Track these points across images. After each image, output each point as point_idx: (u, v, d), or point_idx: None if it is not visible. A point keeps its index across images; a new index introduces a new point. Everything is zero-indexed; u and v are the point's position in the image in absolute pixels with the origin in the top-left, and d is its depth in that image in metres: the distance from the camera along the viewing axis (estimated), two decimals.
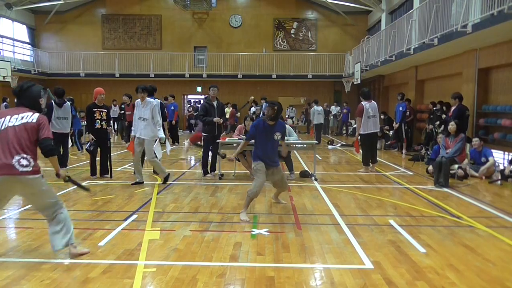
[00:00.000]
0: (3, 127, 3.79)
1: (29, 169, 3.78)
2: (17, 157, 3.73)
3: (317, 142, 11.24)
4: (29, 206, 6.37)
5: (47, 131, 4.02)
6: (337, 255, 4.28)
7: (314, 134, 17.75)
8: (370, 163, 9.82)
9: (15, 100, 4.08)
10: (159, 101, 9.45)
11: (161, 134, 8.09)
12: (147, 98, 7.94)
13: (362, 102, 9.81)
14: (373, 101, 9.99)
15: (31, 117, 3.91)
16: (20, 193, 4.03)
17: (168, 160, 11.12)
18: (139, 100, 7.93)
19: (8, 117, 3.85)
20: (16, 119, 3.86)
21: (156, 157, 8.03)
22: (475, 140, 9.20)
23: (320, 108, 17.73)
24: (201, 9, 24.52)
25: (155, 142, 7.97)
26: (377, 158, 10.21)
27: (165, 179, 8.13)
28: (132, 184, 7.94)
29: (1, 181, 3.73)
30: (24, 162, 3.76)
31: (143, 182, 8.05)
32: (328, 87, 25.09)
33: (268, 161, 5.88)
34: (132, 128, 8.04)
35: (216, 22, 25.26)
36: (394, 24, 16.03)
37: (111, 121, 12.01)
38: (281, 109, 5.82)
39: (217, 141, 8.67)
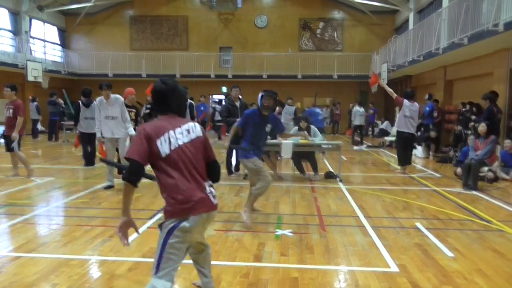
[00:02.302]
0: (174, 147, 2.72)
1: (216, 200, 2.91)
2: (207, 186, 2.84)
3: (341, 143, 11.15)
4: (57, 203, 6.55)
5: (212, 148, 3.00)
6: (362, 258, 4.23)
7: (352, 134, 17.69)
8: (406, 163, 9.75)
9: (156, 106, 2.93)
10: (189, 101, 9.58)
11: (132, 131, 7.44)
12: (112, 95, 7.42)
13: (404, 100, 9.70)
14: (416, 103, 9.85)
15: (195, 129, 2.88)
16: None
17: None
18: (101, 98, 7.42)
19: (171, 132, 2.75)
20: (182, 133, 2.79)
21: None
22: (507, 142, 8.96)
23: (362, 109, 17.54)
24: (227, 10, 24.64)
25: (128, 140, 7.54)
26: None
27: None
28: (104, 188, 7.49)
29: (200, 221, 2.75)
30: (213, 191, 2.88)
31: (114, 186, 7.53)
32: (354, 87, 24.82)
33: (259, 154, 5.60)
34: (97, 129, 7.49)
35: (242, 23, 25.34)
36: (422, 24, 15.75)
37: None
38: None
39: None
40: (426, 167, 10.73)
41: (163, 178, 2.70)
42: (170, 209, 2.71)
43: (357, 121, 17.15)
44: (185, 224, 2.67)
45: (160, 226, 2.76)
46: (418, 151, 12.72)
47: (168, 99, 2.86)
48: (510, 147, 8.85)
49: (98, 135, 7.50)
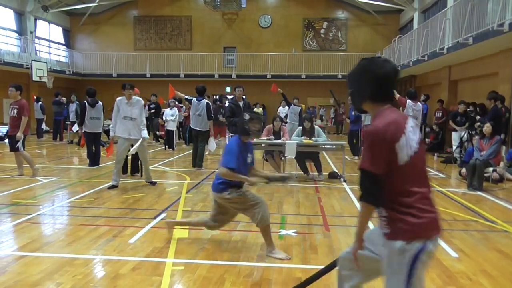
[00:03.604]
0: (413, 151, 2.15)
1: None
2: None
3: (345, 143, 11.12)
4: (62, 203, 6.57)
5: None
6: None
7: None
8: None
9: (374, 94, 2.21)
10: (206, 101, 9.59)
11: (146, 134, 7.53)
12: (134, 96, 7.50)
13: (407, 100, 9.67)
14: (419, 103, 9.82)
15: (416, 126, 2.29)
16: None
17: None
18: (123, 97, 7.49)
19: (407, 131, 2.15)
20: (412, 132, 2.19)
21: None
22: None
23: None
24: (231, 10, 24.66)
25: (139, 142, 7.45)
26: None
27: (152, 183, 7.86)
28: (108, 188, 7.46)
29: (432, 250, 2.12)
30: None
31: (118, 186, 7.53)
32: None
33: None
34: (111, 127, 7.54)
35: (246, 23, 25.35)
36: (426, 23, 15.70)
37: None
38: None
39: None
40: (430, 168, 10.69)
41: (396, 189, 2.11)
42: (409, 228, 2.06)
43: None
44: (431, 246, 2.07)
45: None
46: None
47: (392, 84, 2.22)
48: None
49: (112, 134, 7.53)
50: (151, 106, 16.59)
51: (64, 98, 17.71)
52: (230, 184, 4.27)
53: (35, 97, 18.18)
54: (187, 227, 5.11)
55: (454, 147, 11.45)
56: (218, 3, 23.96)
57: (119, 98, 7.58)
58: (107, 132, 15.90)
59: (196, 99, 9.64)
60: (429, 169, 10.39)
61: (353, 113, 12.35)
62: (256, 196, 4.39)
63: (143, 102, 7.66)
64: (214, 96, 22.42)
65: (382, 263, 2.20)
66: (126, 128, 7.38)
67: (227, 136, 12.89)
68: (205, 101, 9.51)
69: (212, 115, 9.84)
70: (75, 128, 15.85)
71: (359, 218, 2.25)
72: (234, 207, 4.38)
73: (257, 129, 4.38)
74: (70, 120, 16.10)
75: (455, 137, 11.81)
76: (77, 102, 16.07)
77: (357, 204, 6.52)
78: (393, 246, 2.07)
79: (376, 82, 2.17)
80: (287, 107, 14.85)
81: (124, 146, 7.46)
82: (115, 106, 7.53)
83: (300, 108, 14.54)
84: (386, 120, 2.10)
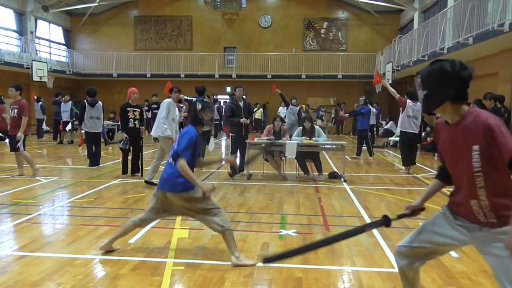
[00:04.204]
0: None
1: None
2: None
3: (345, 143, 11.17)
4: (62, 203, 6.57)
5: None
6: (366, 258, 4.22)
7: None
8: (410, 164, 9.72)
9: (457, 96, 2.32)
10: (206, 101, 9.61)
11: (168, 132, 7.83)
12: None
13: (408, 100, 9.69)
14: (419, 103, 9.80)
15: None
16: None
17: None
18: (171, 100, 7.87)
19: None
20: None
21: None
22: None
23: (374, 109, 17.40)
24: (231, 10, 24.67)
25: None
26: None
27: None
28: (153, 184, 7.52)
29: None
30: None
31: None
32: (359, 87, 24.75)
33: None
34: (167, 129, 7.70)
35: (246, 23, 25.35)
36: (427, 23, 15.71)
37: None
38: None
39: (246, 141, 8.70)
40: (430, 167, 10.68)
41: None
42: None
43: (372, 120, 17.07)
44: None
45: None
46: None
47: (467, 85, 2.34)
48: None
49: (168, 133, 7.67)
50: (153, 106, 16.57)
51: (64, 98, 17.66)
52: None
53: (35, 97, 18.17)
54: (187, 227, 5.11)
55: None
56: (218, 3, 23.97)
57: (169, 100, 7.86)
58: (107, 133, 15.94)
59: (196, 99, 9.65)
60: (430, 169, 10.39)
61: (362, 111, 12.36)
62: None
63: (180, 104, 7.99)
64: (214, 97, 22.46)
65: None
66: (173, 129, 7.79)
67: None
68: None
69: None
70: (69, 127, 15.84)
71: None
72: (193, 209, 4.02)
73: (209, 118, 4.29)
74: (64, 119, 15.89)
75: None
76: (71, 101, 16.02)
77: (358, 204, 6.52)
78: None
79: (461, 84, 2.30)
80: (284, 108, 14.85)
81: (168, 145, 7.64)
82: (167, 108, 7.75)
83: (298, 108, 14.56)
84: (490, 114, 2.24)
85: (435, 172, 9.88)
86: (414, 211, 2.76)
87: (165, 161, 4.51)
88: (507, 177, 2.19)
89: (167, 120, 7.70)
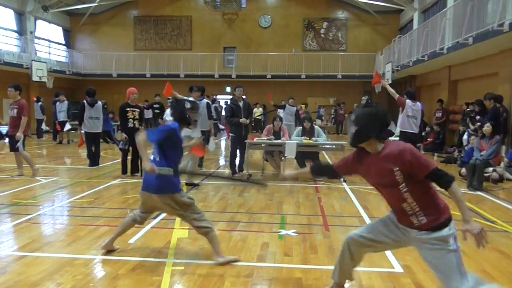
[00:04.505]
0: None
1: None
2: None
3: (345, 143, 11.17)
4: (62, 203, 6.57)
5: None
6: (366, 258, 4.20)
7: None
8: None
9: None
10: (206, 101, 9.59)
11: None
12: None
13: (407, 100, 9.69)
14: (418, 102, 9.83)
15: None
16: None
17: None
18: (190, 98, 7.94)
19: None
20: None
21: None
22: None
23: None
24: (231, 10, 24.66)
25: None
26: None
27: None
28: (195, 185, 7.75)
29: None
30: None
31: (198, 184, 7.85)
32: (358, 87, 24.77)
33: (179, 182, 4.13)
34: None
35: (246, 23, 25.35)
36: (426, 23, 15.70)
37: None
38: None
39: (245, 141, 8.71)
40: None
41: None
42: (448, 216, 2.90)
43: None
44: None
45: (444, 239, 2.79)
46: None
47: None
48: None
49: (189, 133, 7.74)
50: (155, 106, 16.51)
51: (59, 98, 17.58)
52: (178, 181, 3.95)
53: (35, 98, 18.15)
54: (187, 227, 5.11)
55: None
56: (218, 3, 23.96)
57: (206, 100, 8.14)
58: (109, 137, 15.89)
59: (185, 99, 9.70)
60: None
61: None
62: None
63: (204, 103, 8.25)
64: (214, 97, 22.49)
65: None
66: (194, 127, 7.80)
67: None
68: (205, 101, 9.49)
69: (213, 114, 9.85)
70: (67, 127, 15.79)
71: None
72: (176, 210, 3.96)
73: (195, 119, 4.39)
74: (59, 119, 15.79)
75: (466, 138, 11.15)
76: (67, 101, 15.97)
77: (358, 204, 6.52)
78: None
79: (385, 126, 2.96)
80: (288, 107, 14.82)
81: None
82: (205, 108, 8.14)
83: (295, 108, 14.60)
84: None
85: None
86: None
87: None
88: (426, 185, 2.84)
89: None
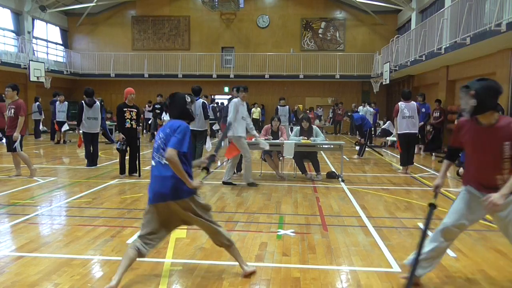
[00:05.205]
0: None
1: None
2: None
3: (343, 143, 11.19)
4: (60, 203, 6.56)
5: None
6: (364, 258, 4.23)
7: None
8: (408, 163, 9.73)
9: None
10: (202, 100, 9.59)
11: (255, 132, 8.22)
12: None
13: (399, 103, 9.70)
14: (412, 101, 9.83)
15: None
16: None
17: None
18: (239, 99, 7.94)
19: None
20: None
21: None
22: None
23: (372, 109, 17.29)
24: (229, 10, 24.65)
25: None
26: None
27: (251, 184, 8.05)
28: (232, 184, 7.95)
29: None
30: None
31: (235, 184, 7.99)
32: (356, 87, 24.83)
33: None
34: (236, 127, 7.91)
35: (244, 23, 25.35)
36: (424, 23, 15.73)
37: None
38: None
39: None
40: (428, 167, 10.71)
41: None
42: None
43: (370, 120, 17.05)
44: None
45: None
46: None
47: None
48: None
49: (239, 133, 7.82)
50: (156, 106, 16.48)
51: (59, 98, 17.57)
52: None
53: (35, 98, 18.11)
54: (185, 227, 5.10)
55: None
56: (216, 3, 23.95)
57: (236, 100, 7.97)
58: (104, 134, 15.83)
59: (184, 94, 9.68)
60: (427, 169, 10.41)
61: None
62: None
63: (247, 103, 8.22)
64: (212, 96, 22.48)
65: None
66: (243, 127, 7.88)
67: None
68: (201, 100, 9.52)
69: (209, 114, 9.87)
70: (65, 127, 15.75)
71: None
72: (198, 214, 3.56)
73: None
74: (58, 119, 15.72)
75: None
76: (67, 101, 15.93)
77: (356, 204, 6.53)
78: None
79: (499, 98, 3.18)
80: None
81: (246, 143, 7.92)
82: (235, 108, 7.86)
83: (287, 107, 14.65)
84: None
85: (432, 172, 9.94)
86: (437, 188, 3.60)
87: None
88: None
89: (236, 120, 7.84)
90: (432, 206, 3.51)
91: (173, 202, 3.43)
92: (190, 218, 3.57)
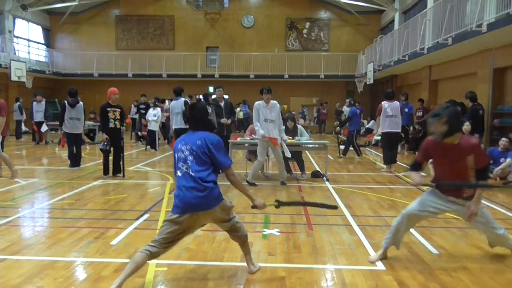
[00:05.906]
0: None
1: None
2: None
3: (328, 142, 11.24)
4: (42, 205, 6.46)
5: None
6: (349, 256, 4.26)
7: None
8: (391, 162, 9.84)
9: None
10: (183, 99, 9.61)
11: (285, 136, 8.24)
12: (272, 101, 7.97)
13: (382, 102, 9.79)
14: (396, 101, 9.94)
15: None
16: None
17: None
18: (262, 102, 7.92)
19: None
20: None
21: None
22: (504, 141, 8.52)
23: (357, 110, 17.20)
24: (214, 9, 24.59)
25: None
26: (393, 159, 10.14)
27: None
28: (250, 184, 7.89)
29: None
30: None
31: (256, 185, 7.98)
32: (341, 87, 24.96)
33: None
34: (257, 129, 7.96)
35: (229, 22, 25.31)
36: (407, 24, 15.91)
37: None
38: None
39: (228, 141, 8.68)
40: None
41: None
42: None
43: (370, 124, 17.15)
44: None
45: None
46: None
47: None
48: (504, 146, 8.63)
49: (261, 133, 7.84)
50: (141, 106, 16.36)
51: (37, 98, 17.24)
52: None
53: (16, 98, 17.79)
54: None
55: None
56: (201, 3, 23.87)
57: (257, 102, 7.95)
58: (87, 134, 15.65)
59: (175, 99, 9.72)
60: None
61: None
62: None
63: (278, 105, 8.09)
64: (198, 96, 22.41)
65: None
66: (267, 129, 7.84)
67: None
68: (182, 99, 9.59)
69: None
70: (44, 128, 15.52)
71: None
72: (227, 219, 3.63)
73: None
74: (36, 120, 15.47)
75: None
76: (45, 101, 15.71)
77: (341, 203, 6.57)
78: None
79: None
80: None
81: (264, 145, 7.95)
82: (255, 110, 7.95)
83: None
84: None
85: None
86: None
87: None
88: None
89: (259, 121, 7.89)
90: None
91: (204, 212, 3.44)
92: (215, 223, 3.67)
